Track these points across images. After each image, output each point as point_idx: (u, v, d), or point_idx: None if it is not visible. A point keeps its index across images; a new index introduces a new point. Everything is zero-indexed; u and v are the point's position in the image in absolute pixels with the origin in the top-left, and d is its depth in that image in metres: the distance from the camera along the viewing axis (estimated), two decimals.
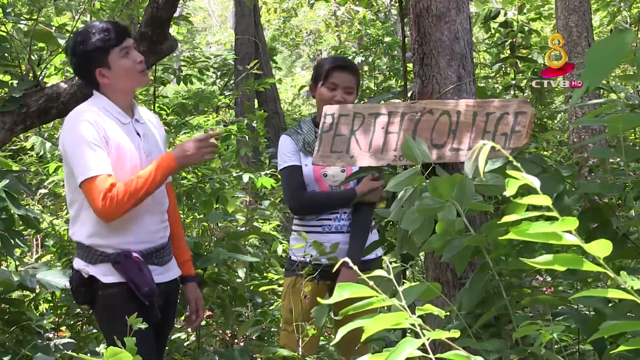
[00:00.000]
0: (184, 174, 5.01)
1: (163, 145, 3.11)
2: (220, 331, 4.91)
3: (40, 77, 4.03)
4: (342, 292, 1.34)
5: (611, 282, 2.32)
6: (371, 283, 1.35)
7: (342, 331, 1.33)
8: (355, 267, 1.42)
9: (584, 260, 1.18)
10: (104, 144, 2.82)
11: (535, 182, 1.21)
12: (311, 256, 3.25)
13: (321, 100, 3.43)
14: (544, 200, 1.20)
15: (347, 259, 1.43)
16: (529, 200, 1.22)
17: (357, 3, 13.08)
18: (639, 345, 1.27)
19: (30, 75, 3.97)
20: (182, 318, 4.84)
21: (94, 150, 2.79)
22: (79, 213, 2.91)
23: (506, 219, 1.27)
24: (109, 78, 2.91)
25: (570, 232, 1.18)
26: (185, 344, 4.59)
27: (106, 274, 2.87)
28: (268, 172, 6.07)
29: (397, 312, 1.30)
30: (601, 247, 1.16)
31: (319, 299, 1.57)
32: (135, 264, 2.88)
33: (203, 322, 4.67)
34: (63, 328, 4.58)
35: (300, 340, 3.13)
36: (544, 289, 2.67)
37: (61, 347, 3.62)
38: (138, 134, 2.97)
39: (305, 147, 3.43)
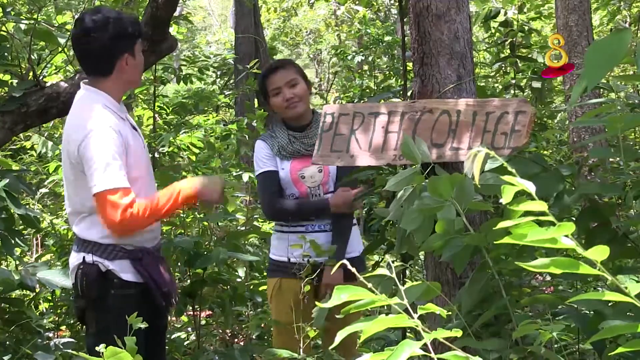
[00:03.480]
0: (184, 173, 5.01)
1: None
2: (220, 330, 4.92)
3: (40, 77, 4.02)
4: (340, 294, 1.32)
5: (610, 283, 2.32)
6: (370, 285, 1.34)
7: (341, 334, 1.32)
8: (351, 267, 1.42)
9: (581, 264, 1.18)
10: (124, 152, 2.74)
11: (530, 187, 1.21)
12: (296, 256, 3.25)
13: (278, 109, 3.46)
14: (540, 206, 1.20)
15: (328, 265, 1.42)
16: (525, 207, 1.22)
17: (357, 2, 13.08)
18: (639, 347, 1.27)
19: (30, 74, 3.96)
20: (182, 317, 4.86)
21: (116, 161, 2.69)
22: (92, 217, 2.79)
23: (502, 224, 1.27)
24: (129, 67, 2.87)
25: (567, 236, 1.18)
26: (185, 343, 4.60)
27: (125, 271, 2.77)
28: None
29: (396, 315, 1.30)
30: (598, 253, 1.16)
31: (317, 303, 1.57)
32: (154, 261, 2.83)
33: (203, 322, 4.67)
34: (63, 327, 4.58)
35: (300, 341, 3.12)
36: (544, 288, 2.67)
37: (61, 346, 3.63)
38: (134, 128, 2.94)
39: (280, 151, 3.42)
